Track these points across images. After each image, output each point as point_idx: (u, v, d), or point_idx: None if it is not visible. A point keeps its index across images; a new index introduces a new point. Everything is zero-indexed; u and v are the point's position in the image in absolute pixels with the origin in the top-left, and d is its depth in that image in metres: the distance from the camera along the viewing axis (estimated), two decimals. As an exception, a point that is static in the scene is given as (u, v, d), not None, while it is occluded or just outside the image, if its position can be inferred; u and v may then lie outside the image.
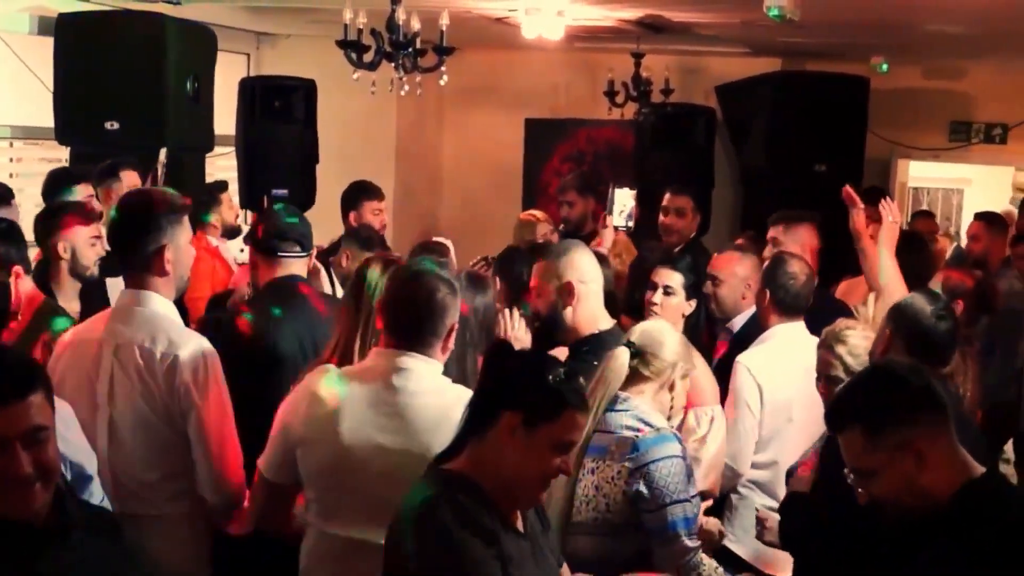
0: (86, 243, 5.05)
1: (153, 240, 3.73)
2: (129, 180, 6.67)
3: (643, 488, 3.61)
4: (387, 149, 10.19)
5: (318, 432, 3.33)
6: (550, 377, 2.81)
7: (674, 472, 3.63)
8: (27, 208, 7.82)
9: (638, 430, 3.69)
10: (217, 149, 8.44)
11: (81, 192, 6.25)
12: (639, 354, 3.80)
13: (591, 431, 3.67)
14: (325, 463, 3.33)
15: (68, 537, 2.46)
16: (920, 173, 13.54)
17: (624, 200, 6.32)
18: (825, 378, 4.14)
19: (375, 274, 3.79)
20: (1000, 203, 16.12)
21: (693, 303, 5.17)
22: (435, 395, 3.33)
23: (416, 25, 5.83)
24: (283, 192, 8.42)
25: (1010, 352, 6.87)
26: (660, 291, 5.13)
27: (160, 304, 3.77)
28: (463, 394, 3.36)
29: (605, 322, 4.31)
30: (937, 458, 2.77)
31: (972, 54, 10.14)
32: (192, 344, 3.72)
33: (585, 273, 4.25)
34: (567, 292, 4.21)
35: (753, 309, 5.31)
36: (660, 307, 5.06)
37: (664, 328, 3.97)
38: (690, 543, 3.67)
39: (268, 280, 4.56)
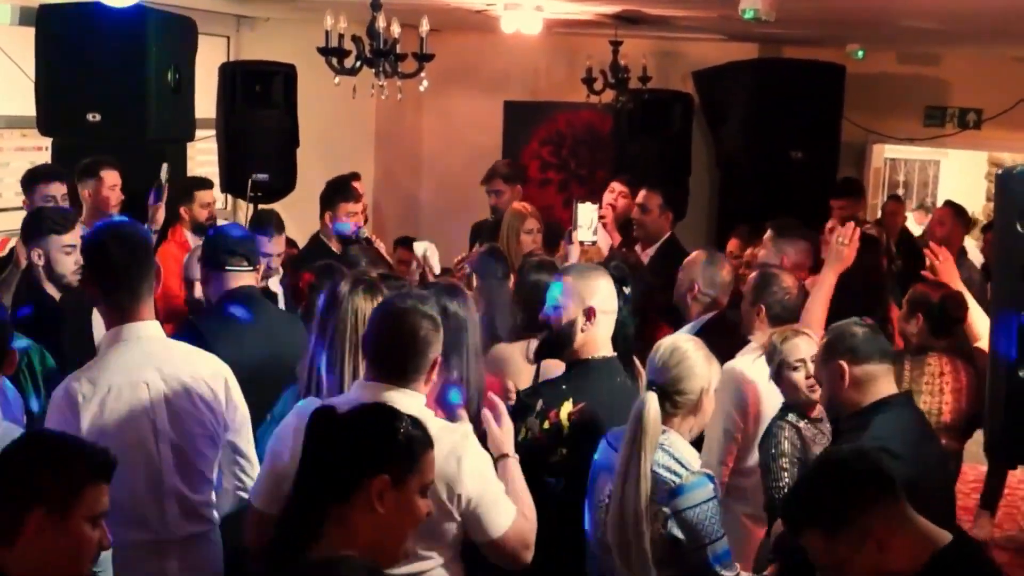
0: (60, 251, 5.12)
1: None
2: (109, 179, 6.73)
3: (679, 533, 3.68)
4: (367, 132, 10.25)
5: None
6: (401, 427, 2.80)
7: (709, 516, 3.70)
8: (8, 197, 7.92)
9: (676, 474, 3.71)
10: (197, 133, 8.47)
11: (56, 191, 6.29)
12: (667, 394, 3.81)
13: (645, 480, 3.68)
14: None
15: None
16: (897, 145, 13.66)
17: (588, 214, 6.33)
18: (802, 362, 4.48)
19: (345, 290, 3.87)
20: (976, 176, 16.31)
21: None
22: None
23: (397, 31, 5.89)
24: (264, 177, 8.49)
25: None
26: None
27: (158, 327, 3.89)
28: (445, 426, 3.48)
29: (606, 350, 4.31)
30: (897, 539, 2.84)
31: (947, 41, 10.23)
32: (219, 362, 3.94)
33: (607, 303, 4.27)
34: (588, 316, 4.21)
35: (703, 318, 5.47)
36: None
37: (685, 352, 3.87)
38: (728, 573, 3.74)
39: (223, 292, 4.73)
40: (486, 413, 3.60)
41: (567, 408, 4.10)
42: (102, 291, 3.82)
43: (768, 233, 6.21)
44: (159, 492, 3.75)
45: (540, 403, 4.13)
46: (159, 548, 3.75)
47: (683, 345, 3.89)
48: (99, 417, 3.63)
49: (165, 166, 6.70)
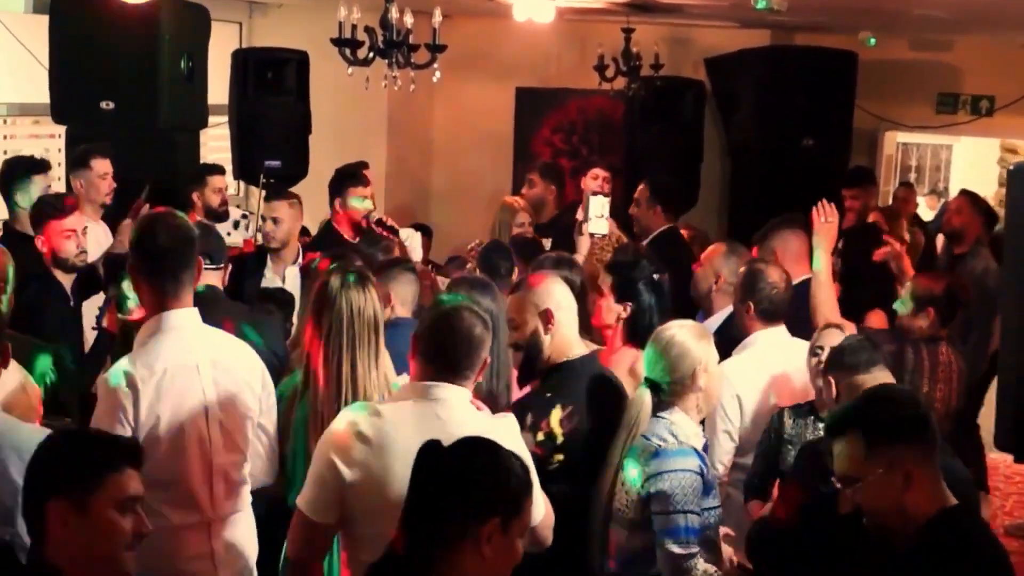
0: (60, 237, 5.18)
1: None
2: (99, 168, 6.75)
3: (655, 492, 3.87)
4: (379, 119, 10.25)
5: (367, 471, 3.35)
6: (513, 476, 2.75)
7: (685, 485, 3.86)
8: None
9: (664, 440, 3.93)
10: (210, 120, 8.49)
11: (39, 183, 6.28)
12: (658, 386, 4.01)
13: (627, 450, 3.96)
14: (376, 500, 3.34)
15: None
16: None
17: (599, 207, 6.35)
18: (822, 348, 4.60)
19: (336, 284, 3.94)
20: (988, 161, 16.28)
21: (628, 305, 4.98)
22: (477, 422, 3.39)
23: (409, 21, 5.90)
24: (276, 164, 8.51)
25: (984, 333, 7.06)
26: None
27: (197, 316, 3.94)
28: (494, 419, 3.55)
29: (579, 348, 4.37)
30: (922, 482, 2.95)
31: (959, 28, 10.21)
32: (253, 351, 4.05)
33: (560, 301, 4.30)
34: (547, 319, 4.25)
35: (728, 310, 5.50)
36: (596, 311, 5.06)
37: (671, 338, 4.05)
38: (682, 550, 3.85)
39: None
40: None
41: (557, 415, 4.14)
42: (146, 278, 3.86)
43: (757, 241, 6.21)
44: (209, 472, 3.83)
45: (529, 417, 4.14)
46: (207, 528, 3.83)
47: (667, 333, 4.08)
48: (156, 400, 3.69)
49: (147, 188, 6.66)
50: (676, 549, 3.84)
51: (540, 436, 4.11)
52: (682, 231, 7.58)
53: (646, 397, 4.01)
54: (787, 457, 4.64)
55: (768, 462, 4.71)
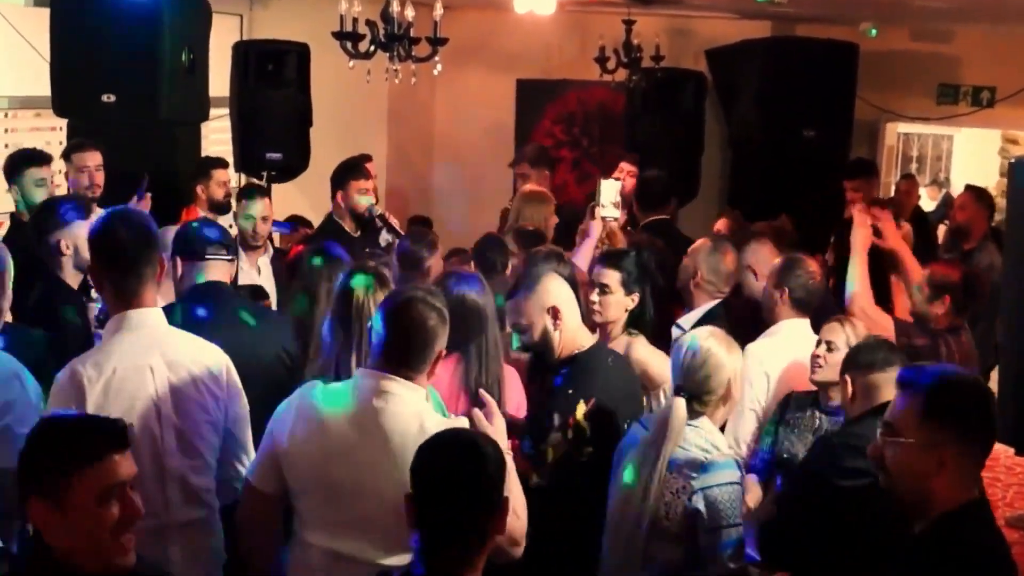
0: (84, 238, 5.16)
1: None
2: (78, 161, 6.74)
3: (702, 507, 3.77)
4: (379, 111, 10.26)
5: (302, 445, 3.43)
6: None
7: (732, 498, 3.81)
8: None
9: (707, 451, 3.84)
10: (211, 112, 8.49)
11: (32, 176, 6.27)
12: (695, 396, 3.91)
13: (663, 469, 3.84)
14: (308, 475, 3.44)
15: None
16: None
17: (611, 191, 6.37)
18: (827, 343, 4.65)
19: (360, 285, 3.90)
20: (989, 151, 16.28)
21: (636, 297, 5.10)
22: (414, 419, 3.37)
23: (410, 15, 5.91)
24: (277, 156, 8.53)
25: (990, 326, 7.06)
26: (597, 290, 5.12)
27: (160, 315, 3.90)
28: (445, 422, 3.46)
29: (586, 339, 4.41)
30: (954, 474, 2.90)
31: (960, 18, 10.20)
32: (219, 350, 3.95)
33: (561, 296, 4.34)
34: (555, 316, 4.29)
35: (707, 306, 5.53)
36: (599, 305, 5.07)
37: (708, 351, 3.95)
38: (736, 564, 3.82)
39: (190, 286, 4.59)
40: (476, 412, 3.56)
41: (582, 409, 4.16)
42: (107, 276, 3.82)
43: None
44: (162, 476, 3.76)
45: (557, 417, 4.18)
46: (161, 533, 3.74)
47: (705, 343, 3.95)
48: (103, 401, 3.63)
49: (147, 176, 6.69)
50: (732, 565, 3.80)
51: (570, 433, 4.14)
52: (758, 225, 7.50)
53: (683, 409, 3.87)
54: (783, 440, 4.71)
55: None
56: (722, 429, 4.12)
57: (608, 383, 4.28)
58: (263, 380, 4.25)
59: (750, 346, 4.99)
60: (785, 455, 4.69)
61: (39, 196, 6.14)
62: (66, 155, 6.79)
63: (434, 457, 2.79)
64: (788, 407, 4.81)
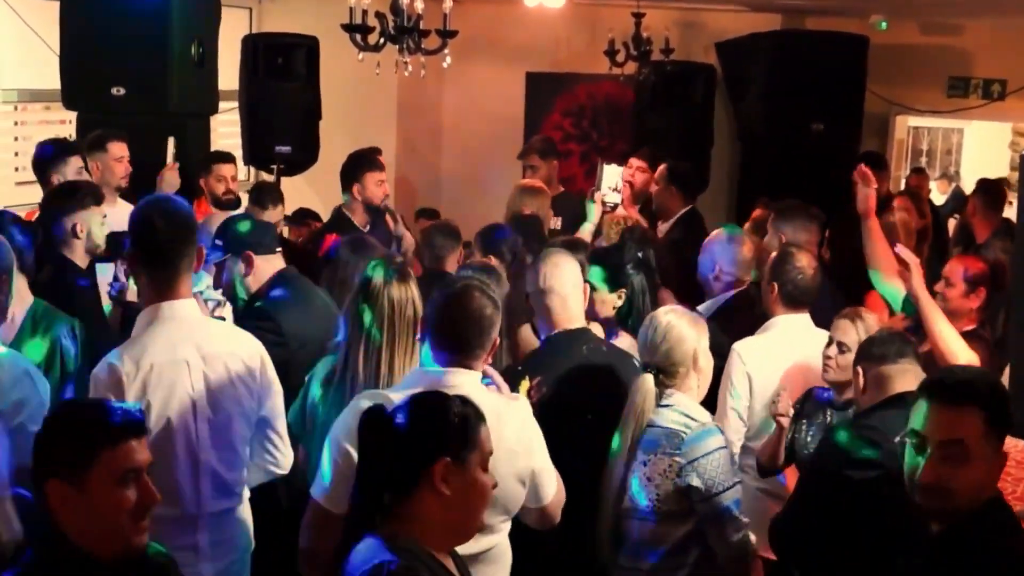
0: (98, 223, 5.22)
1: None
2: (115, 151, 6.77)
3: (695, 482, 3.84)
4: (389, 104, 10.25)
5: None
6: (454, 408, 2.82)
7: (721, 463, 3.86)
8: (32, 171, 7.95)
9: (687, 426, 3.90)
10: (220, 105, 8.49)
11: (74, 165, 6.32)
12: (661, 369, 4.00)
13: (637, 437, 3.92)
14: None
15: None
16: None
17: (613, 176, 6.38)
18: (838, 344, 4.57)
19: (379, 282, 3.91)
20: (999, 145, 16.22)
21: (622, 292, 5.07)
22: (486, 408, 3.21)
23: (420, 7, 5.92)
24: (286, 149, 8.53)
25: (992, 323, 7.07)
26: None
27: (194, 306, 3.93)
28: (506, 400, 3.59)
29: (572, 325, 4.47)
30: (998, 473, 2.96)
31: (970, 11, 10.17)
32: (255, 340, 4.00)
33: (550, 285, 4.46)
34: (549, 291, 4.44)
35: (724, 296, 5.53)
36: (592, 306, 4.97)
37: (669, 323, 4.04)
38: (735, 529, 3.87)
39: (273, 273, 4.80)
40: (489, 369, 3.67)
41: (524, 386, 4.20)
42: (143, 266, 3.86)
43: (771, 216, 6.19)
44: (195, 468, 3.81)
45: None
46: (192, 522, 3.81)
47: (664, 318, 4.07)
48: (142, 396, 3.67)
49: (172, 140, 6.75)
50: (730, 529, 3.86)
51: None
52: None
53: (650, 383, 3.97)
54: (798, 434, 4.70)
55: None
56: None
57: (569, 368, 4.29)
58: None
59: (735, 344, 5.00)
60: (804, 451, 4.66)
61: None
62: (99, 144, 6.77)
63: None
64: (804, 403, 4.77)
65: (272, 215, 6.76)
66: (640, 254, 5.15)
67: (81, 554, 2.67)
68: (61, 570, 2.67)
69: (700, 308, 5.57)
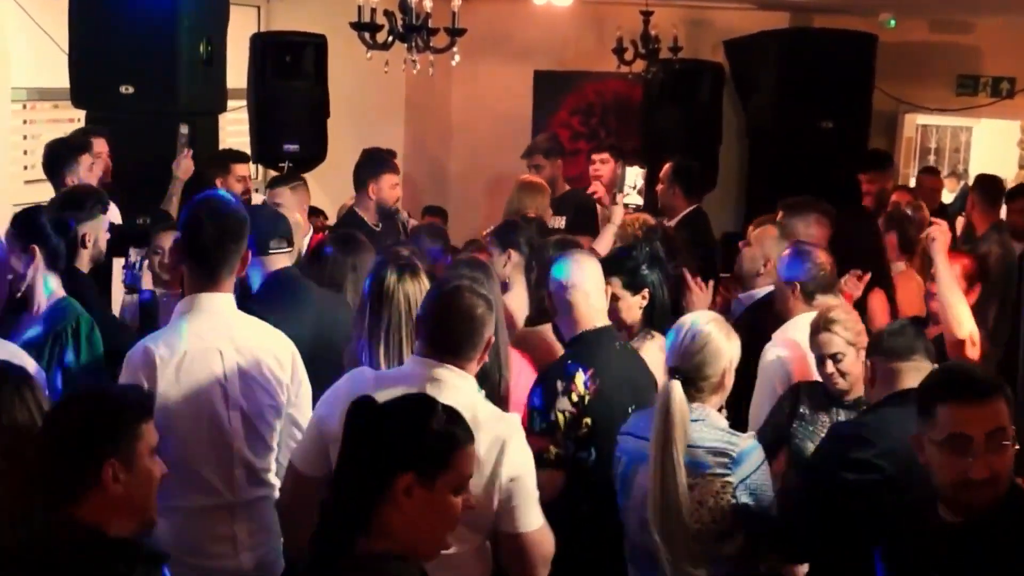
0: (103, 231, 5.25)
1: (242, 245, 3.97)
2: (96, 147, 6.81)
3: (749, 500, 3.76)
4: (397, 102, 10.24)
5: None
6: (433, 425, 2.71)
7: (766, 476, 3.83)
8: (41, 169, 7.95)
9: (730, 443, 3.79)
10: (228, 104, 8.50)
11: (85, 163, 6.42)
12: (691, 380, 3.83)
13: (680, 469, 3.72)
14: None
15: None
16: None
17: (634, 178, 6.40)
18: (831, 357, 4.49)
19: (392, 280, 3.91)
20: (1008, 143, 16.20)
21: (646, 292, 4.94)
22: (467, 410, 3.29)
23: (428, 5, 5.91)
24: (294, 147, 8.54)
25: (984, 315, 7.09)
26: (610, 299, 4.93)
27: (231, 301, 3.97)
28: (495, 414, 3.54)
29: (597, 322, 4.48)
30: (1012, 448, 2.99)
31: (979, 9, 10.16)
32: (286, 339, 4.03)
33: (582, 276, 4.47)
34: (571, 288, 4.43)
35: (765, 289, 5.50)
36: (615, 312, 4.87)
37: (708, 335, 3.87)
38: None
39: (266, 275, 4.77)
40: None
41: (580, 377, 4.20)
42: (187, 262, 3.92)
43: (780, 213, 6.18)
44: (228, 458, 3.85)
45: (559, 384, 4.21)
46: (229, 511, 3.86)
47: (704, 327, 3.88)
48: (174, 382, 3.72)
49: (184, 127, 6.87)
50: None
51: (574, 397, 4.17)
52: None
53: (680, 391, 3.77)
54: (796, 434, 4.64)
55: (778, 433, 4.65)
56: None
57: (609, 361, 4.30)
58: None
59: (772, 345, 4.97)
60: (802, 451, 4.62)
61: (93, 181, 6.33)
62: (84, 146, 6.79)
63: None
64: (798, 401, 4.70)
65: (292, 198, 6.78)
66: (647, 249, 5.12)
67: (95, 537, 2.72)
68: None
69: (740, 296, 5.60)
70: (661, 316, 4.93)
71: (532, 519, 3.47)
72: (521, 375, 4.47)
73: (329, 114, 8.90)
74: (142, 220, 6.85)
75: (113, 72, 7.55)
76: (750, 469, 3.77)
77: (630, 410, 4.17)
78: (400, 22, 5.93)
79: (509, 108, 10.96)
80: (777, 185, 8.85)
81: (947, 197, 13.44)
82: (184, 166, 7.08)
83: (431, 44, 5.97)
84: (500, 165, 10.50)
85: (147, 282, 5.55)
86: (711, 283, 5.52)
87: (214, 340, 3.84)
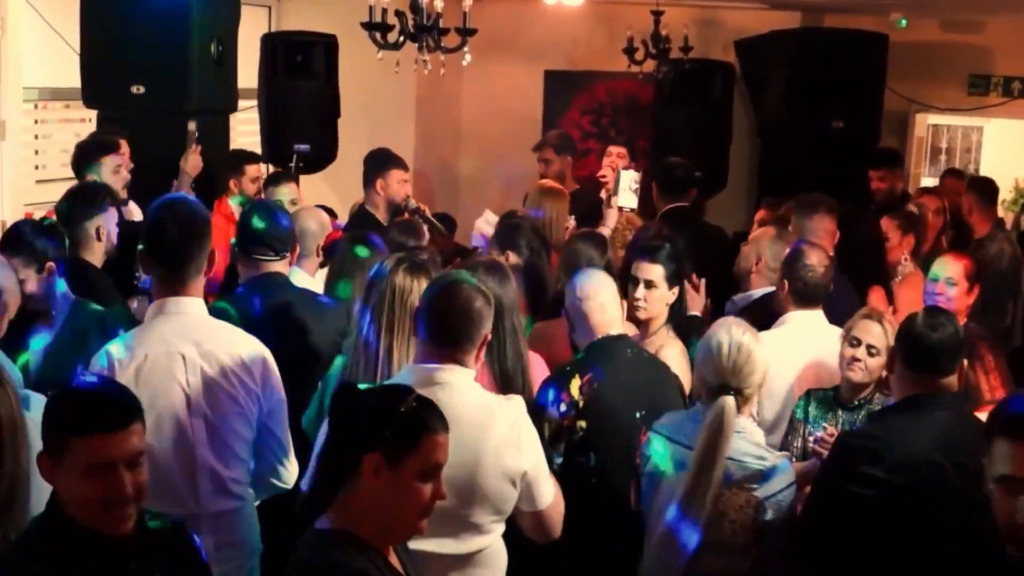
0: (114, 223, 5.27)
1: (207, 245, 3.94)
2: (125, 149, 6.77)
3: (771, 517, 3.75)
4: (407, 101, 10.24)
5: None
6: (402, 408, 2.77)
7: (791, 498, 3.81)
8: (52, 169, 8.00)
9: (762, 458, 3.79)
10: (239, 104, 8.51)
11: (110, 163, 6.43)
12: (737, 392, 3.82)
13: (720, 474, 3.71)
14: None
15: (148, 549, 2.80)
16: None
17: (628, 180, 6.41)
18: (867, 346, 4.53)
19: (387, 268, 3.93)
20: (1019, 142, 16.13)
21: (676, 291, 5.02)
22: (476, 404, 3.46)
23: (439, 4, 5.92)
24: (305, 147, 8.55)
25: (999, 312, 7.09)
26: (641, 286, 4.95)
27: (201, 305, 3.94)
28: (502, 399, 3.58)
29: (612, 330, 4.47)
30: None
31: (991, 8, 10.14)
32: (259, 343, 3.97)
33: (587, 293, 4.49)
34: (588, 298, 4.44)
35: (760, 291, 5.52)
36: (644, 301, 4.93)
37: (749, 348, 3.86)
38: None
39: (248, 277, 4.81)
40: None
41: (576, 383, 4.20)
42: (155, 265, 3.90)
43: (796, 212, 6.18)
44: (192, 466, 3.80)
45: (552, 392, 4.23)
46: (194, 523, 3.71)
47: (743, 339, 3.86)
48: (133, 384, 3.63)
49: (192, 124, 6.97)
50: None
51: (563, 407, 4.17)
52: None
53: (733, 411, 3.75)
54: (803, 440, 4.65)
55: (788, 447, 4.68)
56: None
57: (616, 366, 4.30)
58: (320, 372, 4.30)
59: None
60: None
61: (118, 184, 6.34)
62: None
63: None
64: (805, 408, 4.72)
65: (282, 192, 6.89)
66: (681, 244, 5.17)
67: (83, 533, 2.70)
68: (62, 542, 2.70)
69: (735, 297, 5.61)
70: (677, 316, 4.99)
71: (548, 494, 3.56)
72: (537, 372, 4.47)
73: (340, 114, 8.90)
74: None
75: (124, 72, 7.57)
76: (779, 487, 3.75)
77: (638, 415, 4.18)
78: (411, 22, 5.94)
79: (520, 108, 10.95)
80: (788, 185, 8.83)
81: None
82: (192, 162, 7.11)
83: (442, 44, 5.98)
84: (510, 165, 10.51)
85: None
86: (703, 282, 5.50)
87: (178, 344, 3.80)
